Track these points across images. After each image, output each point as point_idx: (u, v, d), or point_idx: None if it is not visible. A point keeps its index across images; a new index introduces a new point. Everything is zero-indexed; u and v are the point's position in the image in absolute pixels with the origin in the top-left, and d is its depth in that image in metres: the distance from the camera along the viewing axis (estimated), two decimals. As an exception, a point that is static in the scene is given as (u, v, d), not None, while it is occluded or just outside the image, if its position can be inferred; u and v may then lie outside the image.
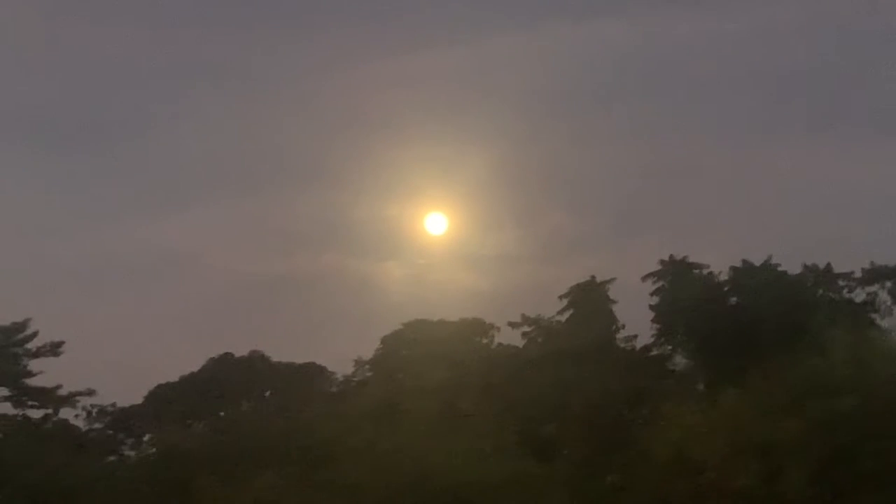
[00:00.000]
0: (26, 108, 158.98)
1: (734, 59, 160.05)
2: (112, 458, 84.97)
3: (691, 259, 79.19)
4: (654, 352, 76.20)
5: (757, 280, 74.10)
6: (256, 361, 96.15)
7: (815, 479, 47.82)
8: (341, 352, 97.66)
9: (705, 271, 78.35)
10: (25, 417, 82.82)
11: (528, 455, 53.58)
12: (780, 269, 75.55)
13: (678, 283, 77.54)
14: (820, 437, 48.45)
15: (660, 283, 78.66)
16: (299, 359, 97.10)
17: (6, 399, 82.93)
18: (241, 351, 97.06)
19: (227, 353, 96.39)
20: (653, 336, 76.61)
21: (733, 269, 76.35)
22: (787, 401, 51.12)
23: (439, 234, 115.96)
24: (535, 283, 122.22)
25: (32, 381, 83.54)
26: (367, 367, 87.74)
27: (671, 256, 79.14)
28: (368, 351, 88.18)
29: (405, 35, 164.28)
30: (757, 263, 75.75)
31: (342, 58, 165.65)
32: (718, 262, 78.87)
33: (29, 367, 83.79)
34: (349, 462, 54.01)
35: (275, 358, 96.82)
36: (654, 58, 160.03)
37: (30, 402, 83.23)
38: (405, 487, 50.03)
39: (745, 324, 69.11)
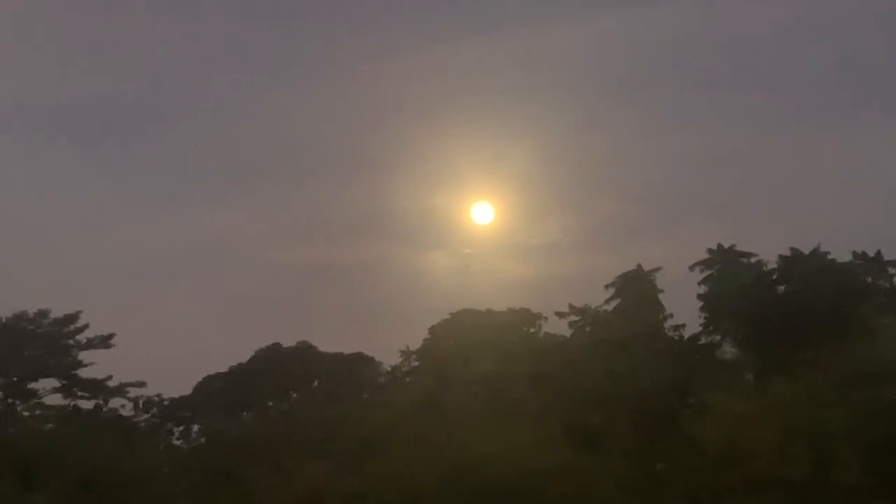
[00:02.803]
0: (79, 102, 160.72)
1: (784, 46, 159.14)
2: (162, 447, 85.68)
3: (739, 247, 78.67)
4: (703, 341, 75.68)
5: (806, 268, 73.45)
6: (304, 352, 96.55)
7: (864, 468, 47.47)
8: (388, 342, 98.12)
9: (754, 260, 77.69)
10: (76, 408, 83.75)
11: (576, 445, 53.49)
12: (829, 257, 74.84)
13: (726, 271, 76.98)
14: (869, 425, 48.11)
15: (708, 272, 78.13)
16: (347, 349, 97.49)
17: (57, 390, 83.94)
18: (288, 341, 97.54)
19: (275, 344, 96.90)
20: (701, 325, 76.15)
21: (782, 257, 75.67)
22: (836, 389, 50.79)
23: (486, 223, 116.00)
24: (581, 272, 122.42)
25: (83, 373, 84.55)
26: (414, 357, 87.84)
27: (719, 245, 78.58)
28: (416, 341, 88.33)
29: (454, 24, 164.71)
30: (806, 251, 75.11)
31: (391, 47, 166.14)
32: (767, 250, 78.30)
33: (80, 359, 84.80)
34: (397, 452, 54.15)
35: (322, 348, 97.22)
36: (703, 46, 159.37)
37: (80, 393, 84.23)
38: (453, 477, 50.10)
39: (795, 312, 68.55)
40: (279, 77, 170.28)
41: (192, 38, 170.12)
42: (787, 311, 69.45)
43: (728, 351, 74.64)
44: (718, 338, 75.24)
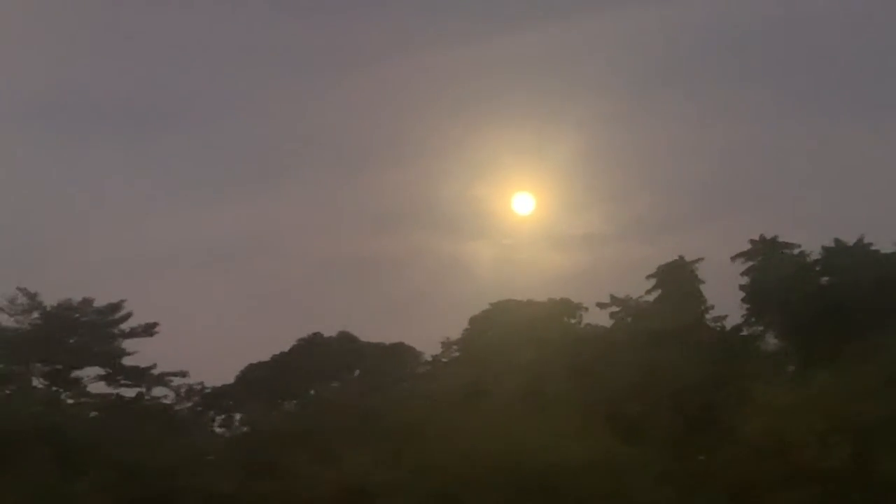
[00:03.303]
0: (121, 95, 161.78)
1: (823, 36, 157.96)
2: (204, 436, 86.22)
3: (782, 238, 78.25)
4: (745, 332, 75.41)
5: (849, 259, 72.96)
6: (345, 341, 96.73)
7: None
8: (429, 332, 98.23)
9: (796, 251, 77.27)
10: (119, 396, 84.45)
11: (616, 436, 53.45)
12: (872, 248, 74.34)
13: (769, 262, 76.59)
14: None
15: (750, 263, 77.79)
16: (387, 339, 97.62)
17: (101, 378, 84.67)
18: (330, 331, 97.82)
19: (316, 334, 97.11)
20: (742, 316, 75.90)
21: (825, 248, 75.21)
22: (879, 381, 50.49)
23: (526, 213, 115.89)
24: (622, 263, 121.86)
25: (126, 361, 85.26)
26: (454, 347, 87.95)
27: (762, 236, 78.18)
28: (456, 331, 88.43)
29: (496, 17, 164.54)
30: (849, 242, 74.64)
31: (434, 39, 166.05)
32: (810, 241, 77.86)
33: (123, 347, 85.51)
34: (438, 442, 54.28)
35: (363, 338, 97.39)
36: (741, 38, 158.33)
37: (123, 382, 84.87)
38: (493, 468, 50.20)
39: (838, 304, 68.14)
40: (320, 68, 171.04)
41: (237, 31, 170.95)
42: (831, 302, 69.02)
43: (770, 342, 74.38)
44: (760, 329, 74.97)
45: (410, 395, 67.94)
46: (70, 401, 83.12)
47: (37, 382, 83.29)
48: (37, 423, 63.41)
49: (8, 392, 78.66)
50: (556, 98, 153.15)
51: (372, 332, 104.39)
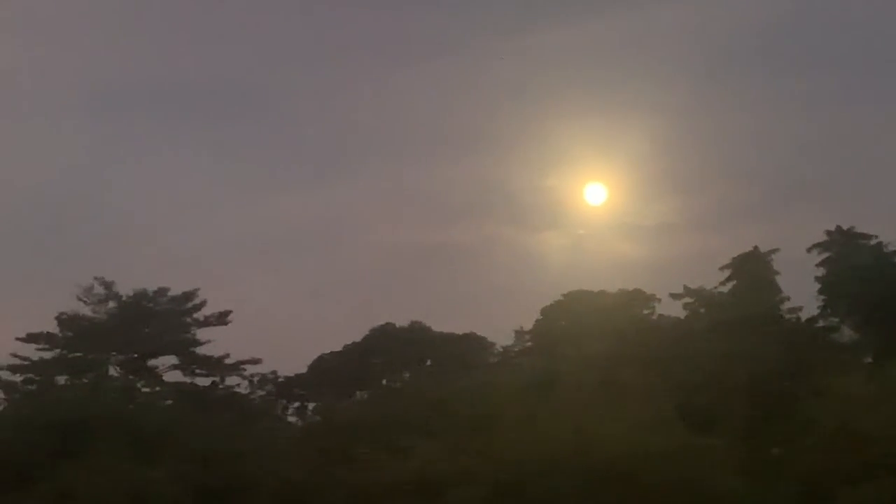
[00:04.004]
0: (198, 85, 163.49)
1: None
2: (277, 425, 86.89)
3: (859, 229, 77.27)
4: (820, 323, 74.61)
5: (929, 250, 72.13)
6: (417, 331, 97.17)
7: None
8: (500, 322, 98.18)
9: (873, 241, 76.33)
10: (193, 385, 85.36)
11: (690, 427, 53.02)
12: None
13: (846, 253, 75.82)
14: None
15: (826, 254, 77.00)
16: (459, 329, 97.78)
17: (175, 367, 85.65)
18: (401, 321, 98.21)
19: (387, 324, 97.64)
20: (818, 308, 75.12)
21: (903, 238, 74.34)
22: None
23: (598, 204, 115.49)
24: (696, 253, 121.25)
25: (200, 350, 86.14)
26: (526, 337, 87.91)
27: (838, 226, 77.36)
28: (528, 322, 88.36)
29: (568, 5, 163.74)
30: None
31: (504, 29, 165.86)
32: (887, 232, 76.79)
33: (197, 336, 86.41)
34: (509, 432, 54.14)
35: (435, 328, 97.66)
36: (816, 23, 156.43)
37: (198, 371, 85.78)
38: (565, 458, 49.96)
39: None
40: (394, 56, 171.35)
41: (306, 20, 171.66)
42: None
43: (846, 334, 73.52)
44: (837, 321, 74.12)
45: (482, 385, 67.77)
46: (145, 389, 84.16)
47: (113, 371, 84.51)
48: (114, 411, 64.21)
49: (86, 381, 79.78)
50: (628, 87, 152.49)
51: (443, 322, 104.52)
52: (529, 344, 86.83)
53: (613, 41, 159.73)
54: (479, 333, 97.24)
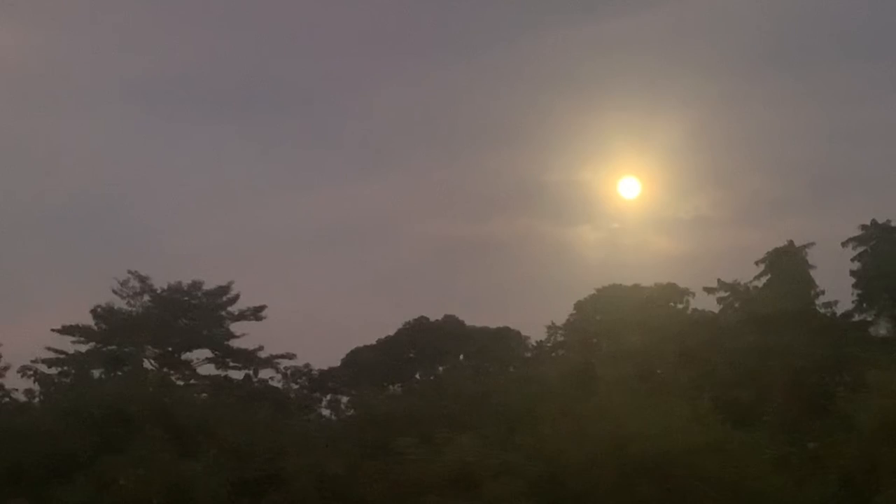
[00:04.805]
0: (239, 77, 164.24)
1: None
2: (312, 418, 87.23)
3: (895, 223, 76.99)
4: (856, 318, 74.47)
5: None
6: (451, 325, 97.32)
7: None
8: (535, 316, 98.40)
9: (909, 235, 76.16)
10: (227, 378, 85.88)
11: (727, 421, 52.98)
12: None
13: (881, 247, 75.67)
14: None
15: (862, 248, 76.78)
16: (493, 323, 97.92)
17: (210, 360, 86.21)
18: (435, 315, 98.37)
19: (422, 317, 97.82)
20: (853, 302, 74.95)
21: (940, 233, 74.05)
22: None
23: (633, 197, 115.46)
24: (730, 248, 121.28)
25: (235, 343, 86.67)
26: (560, 331, 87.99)
27: (873, 220, 77.16)
28: (562, 316, 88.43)
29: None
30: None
31: (541, 22, 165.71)
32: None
33: (232, 330, 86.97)
34: (545, 426, 54.19)
35: (469, 322, 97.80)
36: (852, 17, 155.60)
37: (232, 364, 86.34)
38: (602, 453, 49.99)
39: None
40: (429, 52, 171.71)
41: (344, 13, 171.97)
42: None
43: (883, 328, 73.35)
44: (873, 315, 73.96)
45: (517, 379, 67.85)
46: (181, 383, 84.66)
47: (148, 364, 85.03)
48: (149, 404, 64.55)
49: (121, 374, 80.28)
50: (662, 80, 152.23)
51: (477, 316, 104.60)
52: (563, 338, 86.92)
53: (649, 35, 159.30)
54: (513, 327, 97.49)
